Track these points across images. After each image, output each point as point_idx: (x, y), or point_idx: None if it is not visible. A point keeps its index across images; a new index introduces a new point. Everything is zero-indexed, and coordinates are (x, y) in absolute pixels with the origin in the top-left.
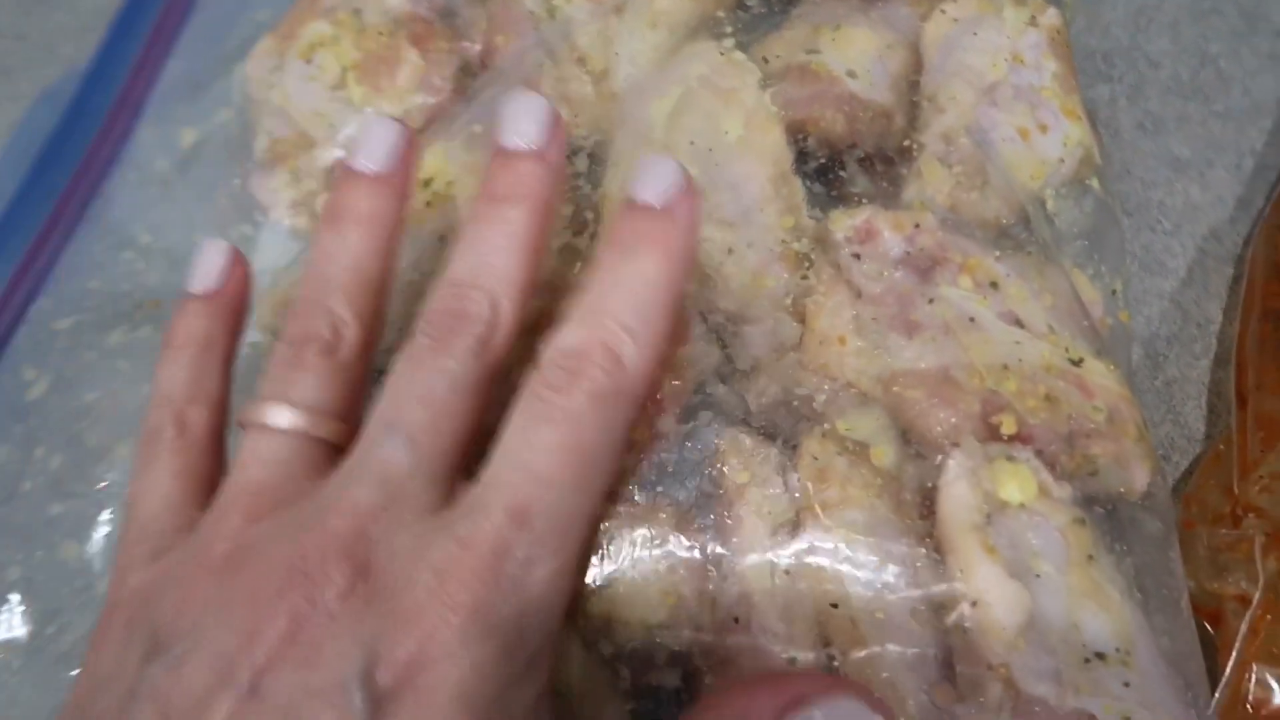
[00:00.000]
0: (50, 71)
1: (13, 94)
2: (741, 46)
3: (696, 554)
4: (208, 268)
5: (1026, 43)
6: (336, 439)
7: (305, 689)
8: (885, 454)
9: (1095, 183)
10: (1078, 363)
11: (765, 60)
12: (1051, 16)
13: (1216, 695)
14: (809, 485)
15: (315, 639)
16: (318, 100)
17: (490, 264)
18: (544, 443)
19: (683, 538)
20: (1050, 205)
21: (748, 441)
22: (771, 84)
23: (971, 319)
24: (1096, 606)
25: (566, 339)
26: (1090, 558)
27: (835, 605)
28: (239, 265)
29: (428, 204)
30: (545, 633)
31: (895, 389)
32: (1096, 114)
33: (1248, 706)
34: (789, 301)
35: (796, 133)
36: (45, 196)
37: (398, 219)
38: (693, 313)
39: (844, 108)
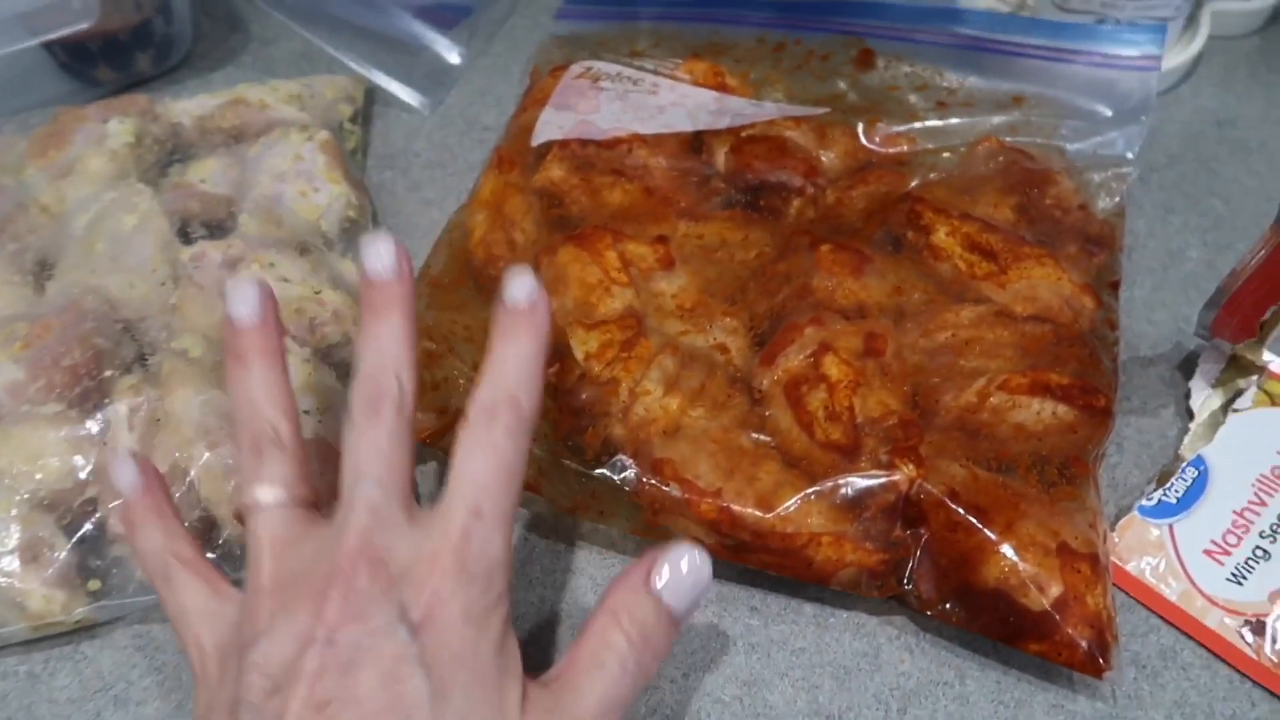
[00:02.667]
0: None
1: None
2: (144, 182)
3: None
4: (130, 482)
5: (304, 150)
6: (309, 499)
7: (367, 633)
8: (196, 351)
9: (353, 214)
10: (318, 292)
11: (158, 186)
12: (323, 135)
13: None
14: (162, 377)
15: (362, 606)
16: None
17: (389, 354)
18: (480, 465)
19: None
20: (325, 228)
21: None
22: (160, 195)
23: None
24: (311, 393)
25: (482, 396)
26: (310, 374)
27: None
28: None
29: None
30: (505, 576)
31: (219, 326)
32: (392, 186)
33: None
34: (174, 304)
35: (174, 216)
36: None
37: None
38: (107, 318)
39: (199, 199)
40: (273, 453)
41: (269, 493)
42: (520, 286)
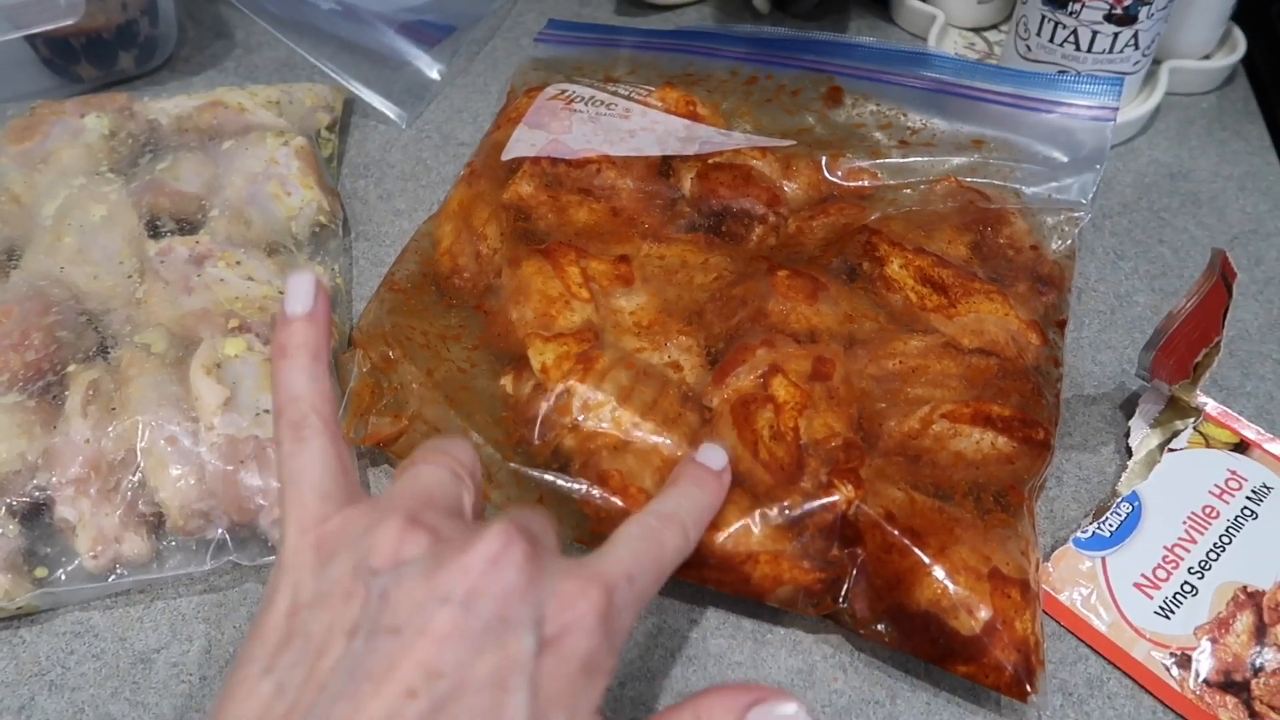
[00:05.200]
0: None
1: None
2: (115, 173)
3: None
4: (302, 294)
5: (280, 154)
6: (475, 496)
7: (500, 617)
8: (159, 346)
9: (324, 219)
10: (283, 292)
11: (129, 179)
12: (300, 140)
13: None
14: (121, 369)
15: (507, 587)
16: None
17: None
18: (642, 549)
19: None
20: (295, 231)
21: (96, 372)
22: (130, 187)
23: (221, 279)
24: (270, 393)
25: (664, 507)
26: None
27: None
28: (324, 291)
29: None
30: (619, 649)
31: (182, 321)
32: (364, 195)
33: (364, 439)
34: (138, 298)
35: (144, 210)
36: None
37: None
38: (71, 309)
39: (170, 195)
40: (467, 444)
41: (444, 458)
42: (717, 455)
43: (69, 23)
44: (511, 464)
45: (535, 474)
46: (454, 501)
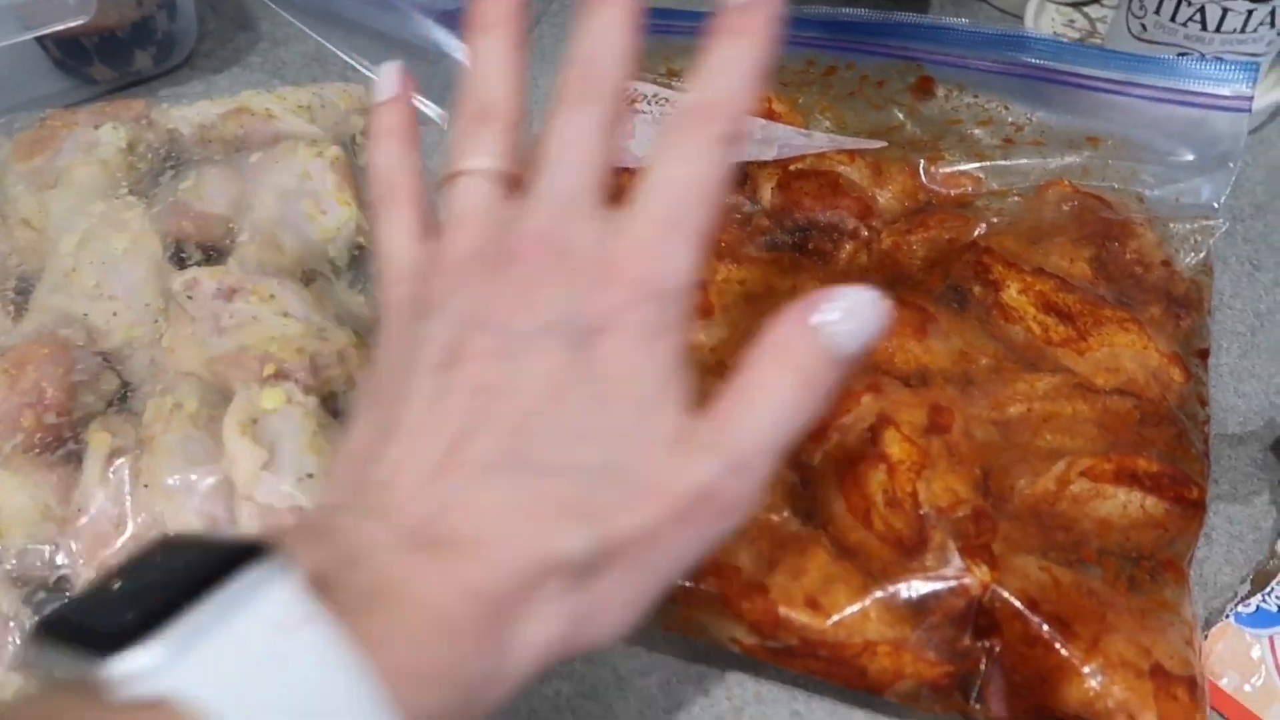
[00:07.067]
0: None
1: None
2: (135, 194)
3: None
4: (389, 83)
5: (313, 166)
6: (515, 178)
7: (537, 325)
8: (190, 405)
9: (363, 240)
10: (323, 330)
11: (151, 202)
12: (335, 151)
13: None
14: (146, 427)
15: (536, 296)
16: None
17: (609, 41)
18: (679, 172)
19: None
20: (332, 254)
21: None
22: (154, 213)
23: (254, 317)
24: (314, 453)
25: (691, 98)
26: (314, 431)
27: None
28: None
29: None
30: (687, 299)
31: (212, 366)
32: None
33: None
34: (166, 344)
35: (168, 237)
36: None
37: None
38: (88, 356)
39: (195, 218)
40: (494, 125)
41: (475, 160)
42: None
43: (81, 21)
44: None
45: None
46: (500, 194)
